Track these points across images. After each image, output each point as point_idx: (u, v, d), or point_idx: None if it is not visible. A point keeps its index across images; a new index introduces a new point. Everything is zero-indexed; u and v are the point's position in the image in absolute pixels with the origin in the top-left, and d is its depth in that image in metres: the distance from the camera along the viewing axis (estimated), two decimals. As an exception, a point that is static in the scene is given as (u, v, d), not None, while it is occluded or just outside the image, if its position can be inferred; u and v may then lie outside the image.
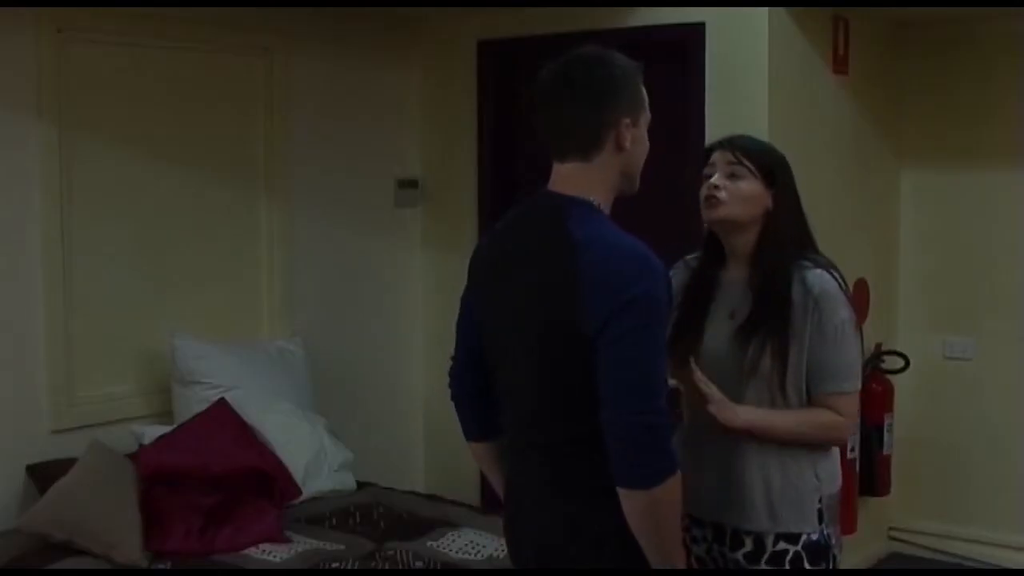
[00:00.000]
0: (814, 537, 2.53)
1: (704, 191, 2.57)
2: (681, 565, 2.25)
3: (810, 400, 2.53)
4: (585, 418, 2.19)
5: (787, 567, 2.51)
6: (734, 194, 2.53)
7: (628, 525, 2.19)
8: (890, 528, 5.38)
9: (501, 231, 2.41)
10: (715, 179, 2.55)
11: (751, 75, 4.34)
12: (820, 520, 2.54)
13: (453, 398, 2.55)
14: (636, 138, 2.30)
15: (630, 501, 2.14)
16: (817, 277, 2.51)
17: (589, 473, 2.23)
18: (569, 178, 2.28)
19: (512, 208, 2.42)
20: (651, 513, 2.15)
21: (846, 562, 4.66)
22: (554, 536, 2.30)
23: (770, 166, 2.56)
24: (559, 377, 2.24)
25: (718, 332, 2.56)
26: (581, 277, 2.15)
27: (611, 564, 2.25)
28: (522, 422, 2.36)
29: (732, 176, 2.54)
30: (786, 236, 2.54)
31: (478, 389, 2.46)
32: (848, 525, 4.60)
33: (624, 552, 2.22)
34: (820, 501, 2.54)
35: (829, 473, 2.58)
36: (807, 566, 2.51)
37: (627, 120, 2.27)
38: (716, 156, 2.59)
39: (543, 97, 2.30)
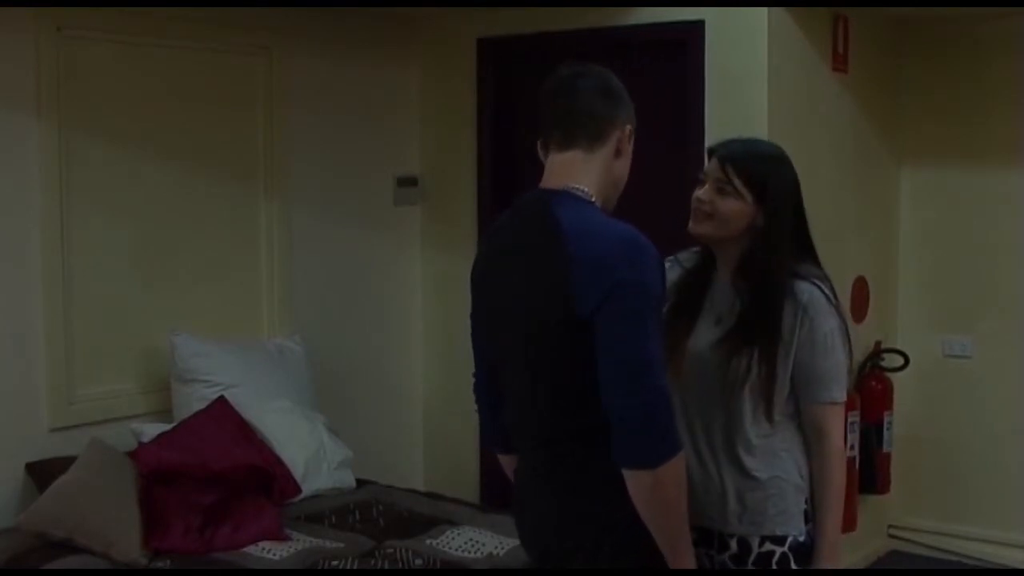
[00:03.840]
0: (801, 539, 2.52)
1: (692, 201, 2.55)
2: (688, 547, 2.25)
3: (800, 411, 2.52)
4: (582, 412, 2.21)
5: (774, 568, 2.50)
6: (719, 211, 2.50)
7: (629, 519, 2.20)
8: (889, 526, 5.39)
9: (495, 234, 2.44)
10: (702, 193, 2.52)
11: (750, 73, 4.34)
12: (807, 521, 2.53)
13: (479, 413, 2.58)
14: (629, 152, 2.37)
15: (634, 482, 2.16)
16: (806, 289, 2.49)
17: (589, 468, 2.25)
18: (565, 167, 2.32)
19: (504, 213, 2.45)
20: (656, 493, 2.16)
21: (845, 560, 4.67)
22: (557, 531, 2.32)
23: (763, 182, 2.49)
24: (555, 369, 2.25)
25: (703, 337, 2.54)
26: (571, 264, 2.17)
27: (612, 558, 2.26)
28: (524, 419, 2.38)
29: (720, 192, 2.50)
30: (777, 250, 2.49)
31: (500, 403, 2.48)
32: (847, 523, 4.60)
33: (626, 546, 2.24)
34: (806, 502, 2.54)
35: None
36: (794, 567, 2.50)
37: (629, 127, 2.35)
38: (710, 166, 2.54)
39: (559, 87, 2.35)
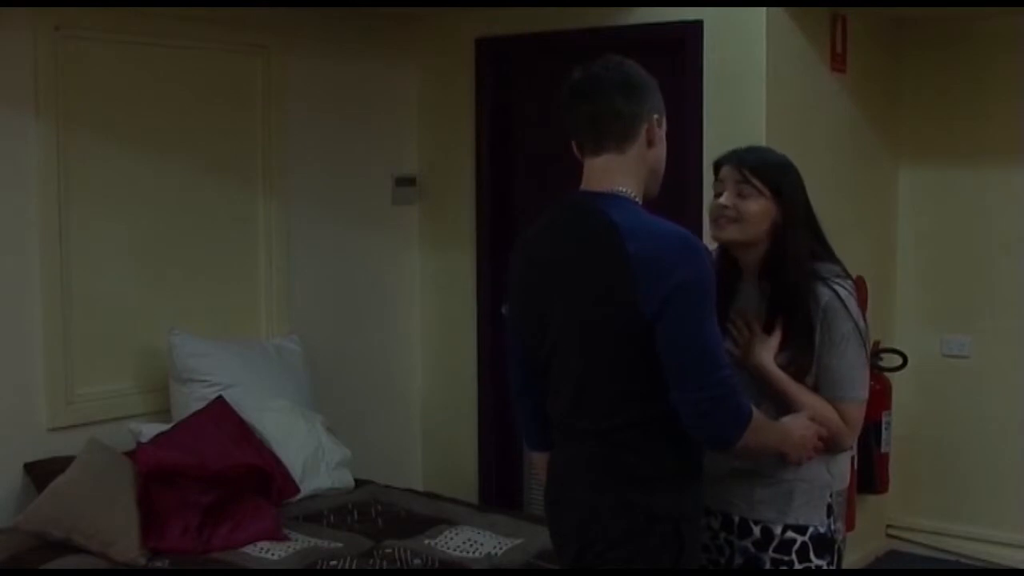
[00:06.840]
0: (821, 530, 2.59)
1: (713, 210, 2.60)
2: (787, 435, 2.47)
3: None
4: (636, 405, 2.29)
5: (794, 556, 2.56)
6: (743, 214, 2.55)
7: (678, 511, 2.33)
8: (888, 525, 5.39)
9: (536, 236, 2.47)
10: (724, 198, 2.57)
11: (749, 73, 4.33)
12: (829, 514, 2.60)
13: (519, 412, 2.65)
14: (661, 137, 2.41)
15: (720, 452, 2.38)
16: (825, 291, 2.55)
17: (641, 459, 2.32)
18: (603, 171, 2.36)
19: (543, 214, 2.48)
20: (743, 454, 2.39)
21: (843, 560, 4.67)
22: (604, 520, 2.36)
23: (778, 182, 2.57)
24: (612, 364, 2.31)
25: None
26: (632, 264, 2.23)
27: (657, 548, 2.32)
28: (575, 413, 2.41)
29: (740, 195, 2.56)
30: (796, 248, 2.56)
31: (540, 403, 2.53)
32: (847, 522, 4.60)
33: (674, 537, 2.32)
34: (831, 496, 2.60)
35: (840, 470, 2.64)
36: (813, 556, 2.57)
37: (656, 116, 2.38)
38: (724, 172, 2.60)
39: (577, 92, 2.38)
